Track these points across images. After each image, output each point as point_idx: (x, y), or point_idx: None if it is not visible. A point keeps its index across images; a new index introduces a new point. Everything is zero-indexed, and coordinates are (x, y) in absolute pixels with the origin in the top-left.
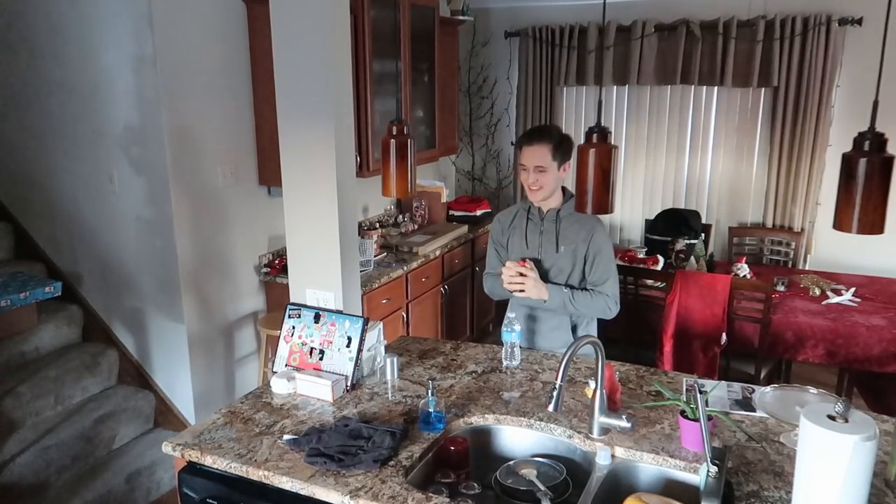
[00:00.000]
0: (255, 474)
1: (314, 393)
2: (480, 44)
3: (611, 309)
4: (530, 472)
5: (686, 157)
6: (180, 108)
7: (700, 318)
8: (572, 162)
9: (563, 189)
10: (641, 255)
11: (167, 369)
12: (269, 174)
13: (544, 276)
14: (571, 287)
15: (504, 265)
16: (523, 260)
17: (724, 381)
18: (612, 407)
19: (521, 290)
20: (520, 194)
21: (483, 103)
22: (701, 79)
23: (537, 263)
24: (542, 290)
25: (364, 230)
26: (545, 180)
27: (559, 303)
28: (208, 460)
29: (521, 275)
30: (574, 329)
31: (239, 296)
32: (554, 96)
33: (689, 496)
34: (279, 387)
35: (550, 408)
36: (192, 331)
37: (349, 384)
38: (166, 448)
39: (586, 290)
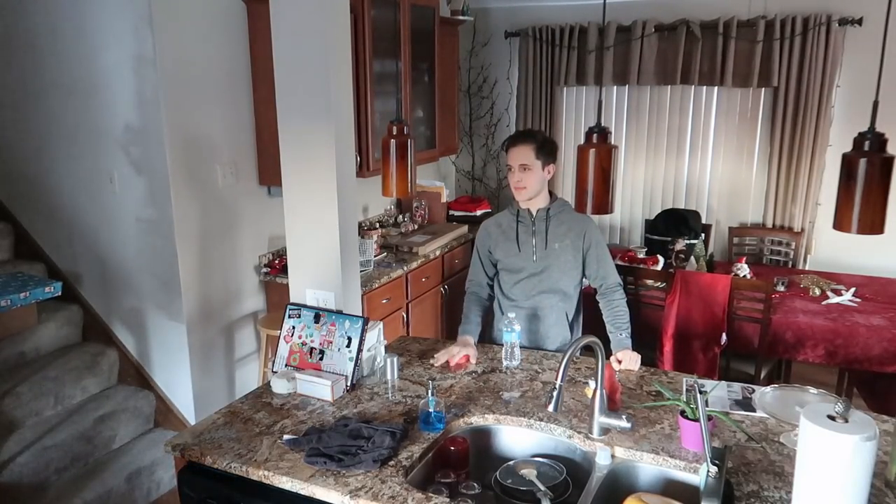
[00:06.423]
0: (255, 474)
1: (314, 393)
2: (480, 44)
3: (625, 297)
4: (530, 472)
5: (686, 157)
6: (180, 108)
7: (700, 318)
8: (566, 166)
9: (551, 192)
10: (641, 255)
11: (167, 369)
12: (269, 174)
13: (540, 277)
14: (616, 326)
15: (486, 272)
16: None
17: (724, 381)
18: (612, 407)
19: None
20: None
21: (483, 103)
22: (701, 79)
23: (531, 262)
24: (635, 356)
25: (364, 230)
26: (529, 179)
27: (629, 340)
28: (208, 460)
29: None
30: (571, 326)
31: (239, 296)
32: (554, 96)
33: (689, 496)
34: (279, 387)
35: (550, 408)
36: (192, 331)
37: (349, 384)
38: (166, 448)
39: (609, 306)
